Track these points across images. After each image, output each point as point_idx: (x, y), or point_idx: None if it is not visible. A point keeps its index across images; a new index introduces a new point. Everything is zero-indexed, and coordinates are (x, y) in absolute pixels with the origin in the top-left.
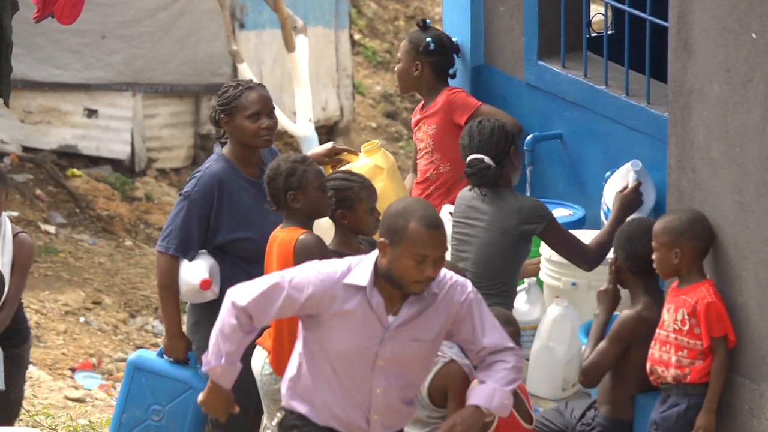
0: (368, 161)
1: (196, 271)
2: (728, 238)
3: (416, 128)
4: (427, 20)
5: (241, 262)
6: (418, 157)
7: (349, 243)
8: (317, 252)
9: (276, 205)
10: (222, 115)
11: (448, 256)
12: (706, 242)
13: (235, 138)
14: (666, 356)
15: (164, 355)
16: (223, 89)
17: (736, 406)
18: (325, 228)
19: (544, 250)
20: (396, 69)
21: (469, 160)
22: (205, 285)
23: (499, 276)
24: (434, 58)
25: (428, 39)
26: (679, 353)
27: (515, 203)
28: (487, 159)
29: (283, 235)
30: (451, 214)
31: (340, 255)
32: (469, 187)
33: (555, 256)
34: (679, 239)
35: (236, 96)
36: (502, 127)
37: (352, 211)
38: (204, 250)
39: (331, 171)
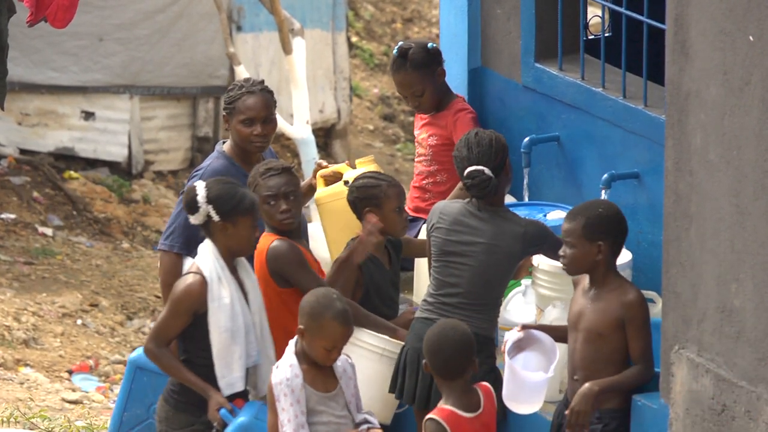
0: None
1: None
2: (726, 241)
3: (419, 129)
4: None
5: None
6: (416, 160)
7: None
8: (289, 258)
9: None
10: (224, 113)
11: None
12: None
13: (232, 137)
14: None
15: None
16: (230, 87)
17: (734, 409)
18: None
19: (535, 258)
20: (416, 98)
21: (469, 171)
22: None
23: (494, 294)
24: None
25: (428, 45)
26: None
27: (518, 228)
28: (487, 171)
29: (260, 242)
30: None
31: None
32: (454, 200)
33: (545, 266)
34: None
35: (236, 98)
36: (498, 139)
37: (380, 209)
38: None
39: (324, 185)
